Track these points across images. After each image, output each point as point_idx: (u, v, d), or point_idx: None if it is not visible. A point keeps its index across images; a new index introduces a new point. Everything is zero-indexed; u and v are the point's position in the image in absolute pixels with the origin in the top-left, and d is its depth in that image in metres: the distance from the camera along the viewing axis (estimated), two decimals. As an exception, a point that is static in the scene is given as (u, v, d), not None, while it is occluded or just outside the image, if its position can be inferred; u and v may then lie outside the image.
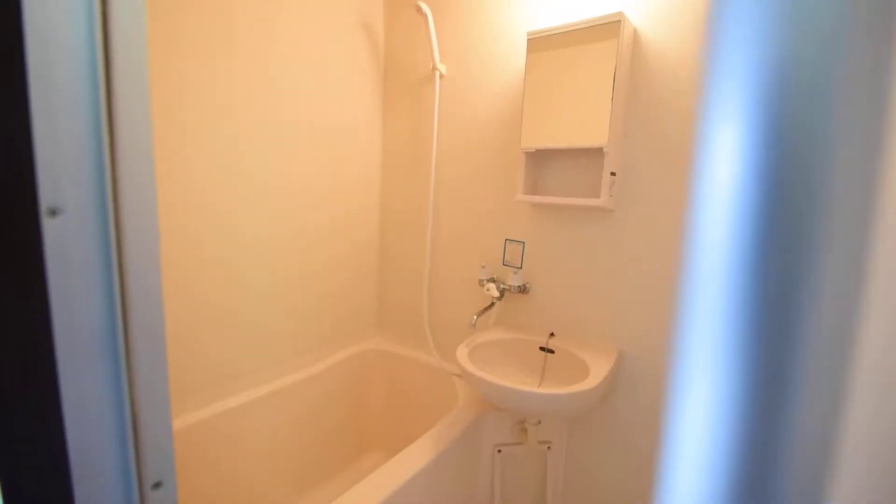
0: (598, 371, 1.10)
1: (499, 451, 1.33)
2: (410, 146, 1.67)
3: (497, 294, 1.37)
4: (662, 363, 1.17)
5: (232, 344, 1.35)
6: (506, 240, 1.45)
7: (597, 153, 1.15)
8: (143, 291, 0.32)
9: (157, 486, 0.35)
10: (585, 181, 1.24)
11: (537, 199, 1.27)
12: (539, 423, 1.26)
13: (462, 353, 1.21)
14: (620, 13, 1.05)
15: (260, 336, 1.43)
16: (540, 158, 1.31)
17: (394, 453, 1.12)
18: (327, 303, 1.65)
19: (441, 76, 1.52)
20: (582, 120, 1.14)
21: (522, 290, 1.40)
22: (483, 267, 1.44)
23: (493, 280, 1.41)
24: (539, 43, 1.19)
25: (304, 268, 1.54)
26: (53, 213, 0.29)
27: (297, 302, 1.53)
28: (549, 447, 1.36)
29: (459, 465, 1.25)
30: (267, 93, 1.32)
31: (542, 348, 1.30)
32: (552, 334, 1.32)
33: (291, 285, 1.50)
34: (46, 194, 0.29)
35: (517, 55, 1.33)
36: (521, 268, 1.42)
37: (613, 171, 1.14)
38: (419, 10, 1.44)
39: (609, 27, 1.07)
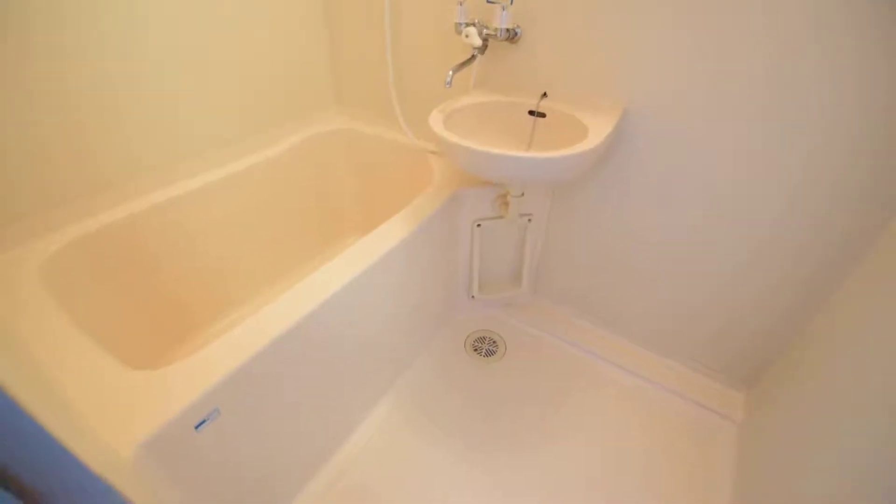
0: (598, 131, 0.93)
1: (478, 225, 1.28)
2: None
3: (479, 43, 1.06)
4: (675, 120, 0.99)
5: (172, 122, 1.15)
6: (492, -39, 1.04)
7: None
8: None
9: None
10: None
11: None
12: (523, 195, 1.16)
13: (436, 119, 1.00)
14: None
15: (202, 113, 1.21)
16: None
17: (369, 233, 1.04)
18: (271, 75, 1.34)
19: None
20: None
21: (511, 36, 1.09)
22: (460, 4, 1.08)
23: (473, 24, 1.08)
24: None
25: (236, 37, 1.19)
26: None
27: (236, 76, 1.25)
28: (529, 219, 1.31)
29: (438, 240, 1.21)
30: None
31: (531, 112, 1.09)
32: (545, 94, 1.09)
33: (225, 58, 1.20)
34: None
35: None
36: (511, 3, 1.06)
37: None
38: None
39: None
